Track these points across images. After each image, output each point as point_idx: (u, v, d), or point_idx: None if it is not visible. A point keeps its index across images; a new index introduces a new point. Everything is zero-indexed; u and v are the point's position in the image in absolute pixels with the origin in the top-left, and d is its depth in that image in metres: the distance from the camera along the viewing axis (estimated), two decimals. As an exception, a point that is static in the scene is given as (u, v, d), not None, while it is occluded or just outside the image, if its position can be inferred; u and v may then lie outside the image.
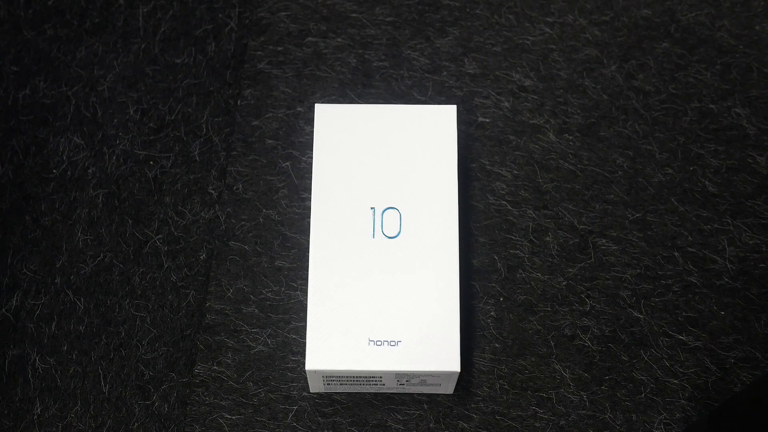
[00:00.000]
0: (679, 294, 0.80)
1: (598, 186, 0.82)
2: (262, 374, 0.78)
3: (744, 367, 0.78)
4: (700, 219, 0.82)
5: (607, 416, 0.77)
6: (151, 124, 0.84)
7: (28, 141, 0.83)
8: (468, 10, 0.87)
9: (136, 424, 0.77)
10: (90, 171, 0.83)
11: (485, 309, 0.79)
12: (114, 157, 0.83)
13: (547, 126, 0.84)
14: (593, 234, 0.81)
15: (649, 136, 0.84)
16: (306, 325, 0.76)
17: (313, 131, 0.84)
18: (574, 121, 0.84)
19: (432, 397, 0.78)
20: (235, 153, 0.83)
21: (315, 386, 0.76)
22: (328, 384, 0.75)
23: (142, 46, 0.86)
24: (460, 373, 0.78)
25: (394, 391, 0.77)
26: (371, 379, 0.74)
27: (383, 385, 0.75)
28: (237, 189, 0.82)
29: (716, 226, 0.81)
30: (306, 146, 0.83)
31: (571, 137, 0.84)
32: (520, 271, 0.80)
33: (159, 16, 0.87)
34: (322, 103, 0.84)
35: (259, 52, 0.86)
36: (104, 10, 0.87)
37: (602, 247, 0.81)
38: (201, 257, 0.80)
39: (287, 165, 0.83)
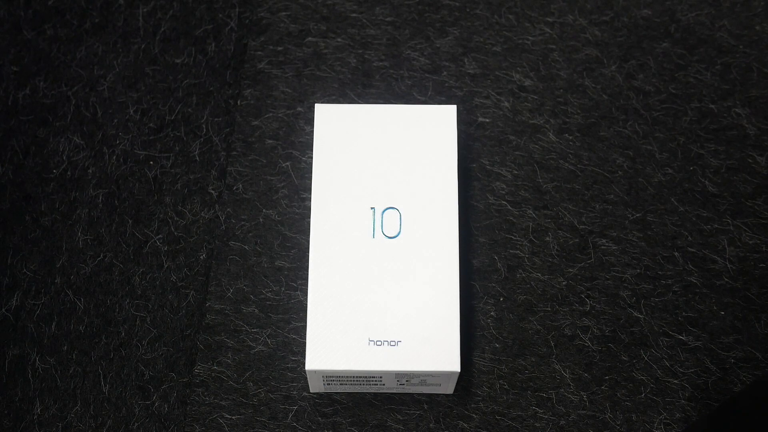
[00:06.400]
0: (679, 294, 0.80)
1: (598, 186, 0.82)
2: (262, 374, 0.78)
3: (744, 367, 0.78)
4: (700, 219, 0.82)
5: (607, 416, 0.77)
6: (151, 124, 0.84)
7: (28, 141, 0.83)
8: (468, 10, 0.87)
9: (136, 424, 0.77)
10: (90, 171, 0.83)
11: (485, 309, 0.79)
12: (114, 157, 0.83)
13: (547, 126, 0.84)
14: (593, 234, 0.81)
15: (649, 136, 0.84)
16: (306, 325, 0.76)
17: (313, 131, 0.84)
18: (574, 121, 0.84)
19: (432, 397, 0.78)
20: (235, 153, 0.83)
21: (315, 386, 0.76)
22: (328, 384, 0.75)
23: (142, 46, 0.86)
24: (460, 373, 0.78)
25: (394, 391, 0.77)
26: (371, 379, 0.74)
27: (383, 385, 0.75)
28: (237, 189, 0.82)
29: (716, 226, 0.81)
30: (306, 146, 0.83)
31: (571, 137, 0.84)
32: (520, 271, 0.80)
33: (159, 16, 0.87)
34: (322, 103, 0.84)
35: (259, 52, 0.86)
36: (104, 10, 0.87)
37: (602, 247, 0.81)
38: (201, 257, 0.80)
39: (287, 165, 0.83)
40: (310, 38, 0.86)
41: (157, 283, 0.80)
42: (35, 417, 0.77)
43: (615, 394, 0.78)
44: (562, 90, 0.85)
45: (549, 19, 0.87)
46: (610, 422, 0.77)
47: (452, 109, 0.78)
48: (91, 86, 0.85)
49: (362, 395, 0.77)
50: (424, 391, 0.77)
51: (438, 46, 0.86)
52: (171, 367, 0.78)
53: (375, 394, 0.78)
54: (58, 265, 0.80)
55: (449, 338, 0.73)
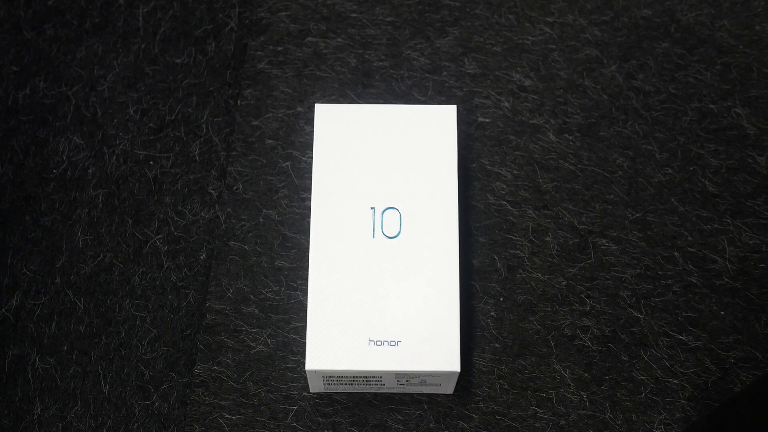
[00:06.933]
0: (679, 294, 0.80)
1: (598, 186, 0.82)
2: (262, 374, 0.78)
3: (744, 367, 0.78)
4: (700, 219, 0.82)
5: (607, 416, 0.77)
6: (151, 124, 0.84)
7: (28, 141, 0.83)
8: (468, 10, 0.87)
9: (136, 424, 0.77)
10: (90, 171, 0.83)
11: (485, 309, 0.79)
12: (114, 157, 0.83)
13: (547, 126, 0.84)
14: (593, 234, 0.81)
15: (649, 136, 0.84)
16: (306, 325, 0.76)
17: (313, 131, 0.84)
18: (574, 121, 0.84)
19: (432, 397, 0.78)
20: (235, 153, 0.83)
21: (315, 386, 0.76)
22: (328, 384, 0.75)
23: (142, 46, 0.86)
24: (460, 373, 0.78)
25: (394, 391, 0.77)
26: (371, 379, 0.74)
27: (383, 385, 0.75)
28: (237, 189, 0.82)
29: (716, 226, 0.81)
30: (306, 146, 0.83)
31: (571, 137, 0.84)
32: (520, 271, 0.80)
33: (159, 16, 0.87)
34: (322, 103, 0.84)
35: (259, 52, 0.86)
36: (104, 10, 0.87)
37: (602, 247, 0.81)
38: (201, 257, 0.80)
39: (287, 165, 0.83)
40: (310, 38, 0.86)
41: (157, 283, 0.80)
42: (35, 417, 0.77)
43: (615, 394, 0.78)
44: (562, 90, 0.85)
45: (549, 19, 0.87)
46: (610, 422, 0.77)
47: (452, 109, 0.78)
48: (91, 86, 0.85)
49: (362, 395, 0.77)
50: (424, 391, 0.77)
51: (438, 46, 0.86)
52: (171, 367, 0.78)
53: (375, 394, 0.78)
54: (58, 265, 0.80)
55: (449, 338, 0.73)
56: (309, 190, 0.82)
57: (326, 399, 0.77)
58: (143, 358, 0.78)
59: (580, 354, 0.78)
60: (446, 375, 0.73)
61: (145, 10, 0.87)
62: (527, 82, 0.85)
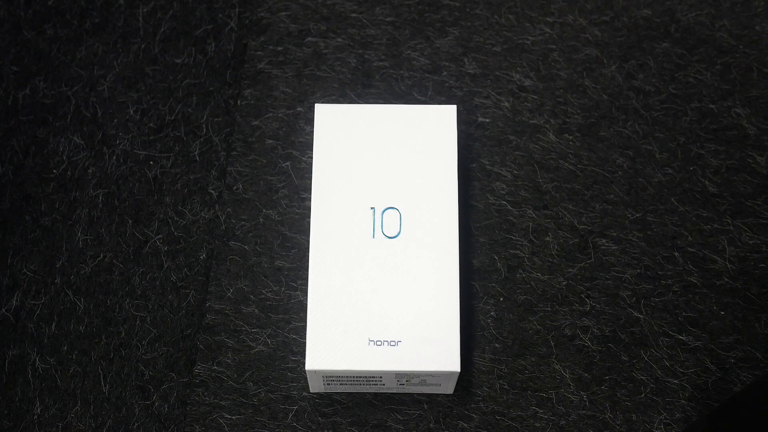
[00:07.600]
0: (679, 294, 0.80)
1: (598, 186, 0.82)
2: (262, 374, 0.78)
3: (744, 367, 0.78)
4: (700, 219, 0.82)
5: (607, 416, 0.77)
6: (151, 124, 0.84)
7: (28, 141, 0.83)
8: (468, 10, 0.87)
9: (136, 424, 0.77)
10: (90, 171, 0.83)
11: (485, 309, 0.79)
12: (114, 157, 0.83)
13: (547, 126, 0.84)
14: (593, 234, 0.81)
15: (649, 136, 0.84)
16: (306, 325, 0.76)
17: (313, 131, 0.84)
18: (574, 121, 0.84)
19: (432, 397, 0.78)
20: (235, 153, 0.83)
21: (315, 386, 0.76)
22: (328, 384, 0.75)
23: (142, 46, 0.86)
24: (460, 373, 0.78)
25: (394, 391, 0.77)
26: (371, 379, 0.74)
27: (383, 385, 0.75)
28: (237, 189, 0.82)
29: (716, 226, 0.81)
30: (306, 146, 0.83)
31: (571, 137, 0.84)
32: (520, 271, 0.80)
33: (159, 16, 0.87)
34: (322, 103, 0.84)
35: (259, 52, 0.86)
36: (104, 10, 0.87)
37: (602, 247, 0.81)
38: (201, 257, 0.80)
39: (287, 165, 0.83)
40: (310, 38, 0.86)
41: (157, 283, 0.80)
42: (35, 417, 0.77)
43: (615, 394, 0.78)
44: (562, 90, 0.85)
45: (549, 19, 0.87)
46: (610, 422, 0.77)
47: (452, 109, 0.78)
48: (91, 86, 0.85)
49: (362, 395, 0.77)
50: (424, 391, 0.77)
51: (438, 46, 0.86)
52: (171, 367, 0.78)
53: (375, 394, 0.78)
54: (58, 265, 0.80)
55: (449, 338, 0.73)
56: (309, 190, 0.82)
57: (326, 399, 0.77)
58: (143, 358, 0.78)
59: (580, 354, 0.78)
60: (446, 375, 0.73)
61: (145, 10, 0.87)
62: (527, 82, 0.85)
